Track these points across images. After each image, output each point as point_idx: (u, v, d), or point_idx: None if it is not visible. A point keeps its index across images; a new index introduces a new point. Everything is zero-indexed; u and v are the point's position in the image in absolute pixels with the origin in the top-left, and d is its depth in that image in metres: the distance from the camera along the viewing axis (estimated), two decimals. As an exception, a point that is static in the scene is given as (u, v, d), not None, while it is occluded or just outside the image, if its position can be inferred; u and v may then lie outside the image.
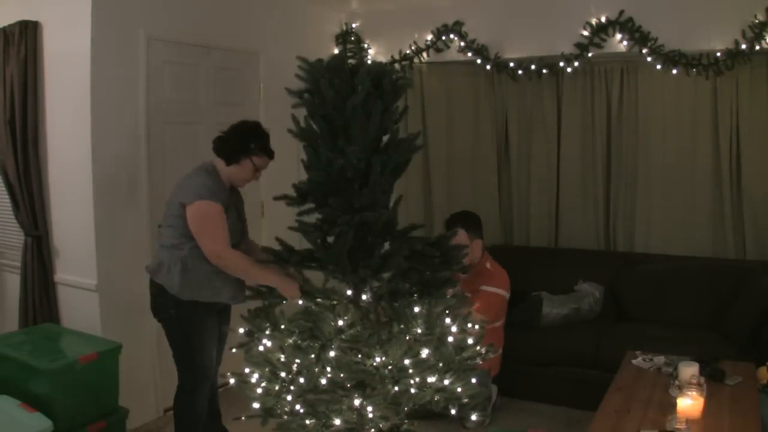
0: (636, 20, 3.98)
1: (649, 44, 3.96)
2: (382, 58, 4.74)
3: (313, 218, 2.24)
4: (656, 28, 3.95)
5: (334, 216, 2.09)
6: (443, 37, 4.59)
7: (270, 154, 2.86)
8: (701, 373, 2.71)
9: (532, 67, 4.37)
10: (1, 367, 3.00)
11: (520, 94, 4.62)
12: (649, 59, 4.00)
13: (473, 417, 2.31)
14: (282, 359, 2.12)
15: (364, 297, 2.19)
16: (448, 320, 2.15)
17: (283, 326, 2.19)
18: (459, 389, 2.09)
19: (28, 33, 3.40)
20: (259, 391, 2.14)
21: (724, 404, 2.62)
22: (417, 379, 2.03)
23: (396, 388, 2.03)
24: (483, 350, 2.24)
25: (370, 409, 1.99)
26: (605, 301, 4.03)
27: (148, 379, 3.58)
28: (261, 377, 2.15)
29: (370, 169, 2.06)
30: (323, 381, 2.05)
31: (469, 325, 2.20)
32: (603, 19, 4.07)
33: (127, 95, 3.42)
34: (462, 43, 4.52)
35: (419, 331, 2.10)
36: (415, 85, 4.82)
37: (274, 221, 4.09)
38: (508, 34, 4.43)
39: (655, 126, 4.24)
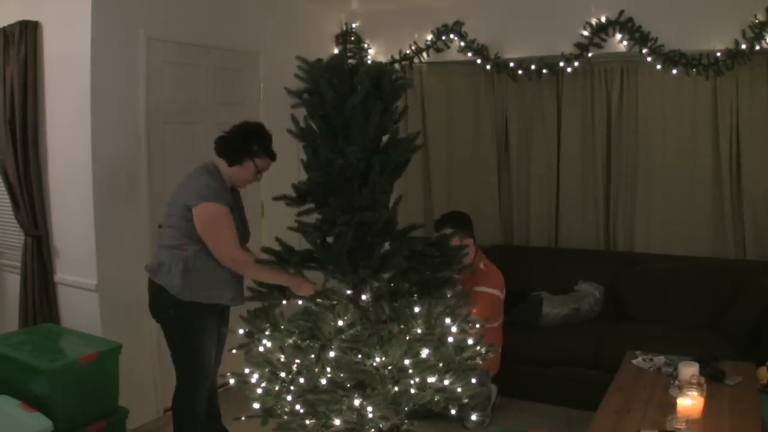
0: (636, 20, 3.98)
1: (649, 44, 3.96)
2: (382, 58, 4.74)
3: (312, 218, 2.24)
4: (656, 28, 3.95)
5: (333, 216, 2.09)
6: (443, 37, 4.59)
7: (272, 156, 2.85)
8: (701, 373, 2.71)
9: (532, 67, 4.37)
10: (1, 367, 3.00)
11: (520, 94, 4.62)
12: (649, 59, 4.00)
13: (473, 417, 2.31)
14: (282, 359, 2.12)
15: (364, 297, 2.19)
16: (448, 320, 2.15)
17: (282, 327, 2.19)
18: (459, 389, 2.09)
19: (28, 33, 3.41)
20: (259, 391, 2.15)
21: (724, 404, 2.61)
22: (417, 379, 2.03)
23: (396, 388, 2.03)
24: (483, 350, 2.25)
25: (370, 409, 2.00)
26: (605, 301, 4.03)
27: (148, 379, 3.58)
28: (261, 377, 2.15)
29: (370, 169, 2.06)
30: (323, 381, 2.05)
31: (470, 324, 2.19)
32: (603, 19, 4.06)
33: (127, 95, 3.42)
34: (462, 43, 4.52)
35: (419, 331, 2.10)
36: (415, 85, 4.82)
37: (274, 221, 4.09)
38: (508, 34, 4.43)
39: (655, 126, 4.24)
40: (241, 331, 2.36)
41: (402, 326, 2.10)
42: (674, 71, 3.97)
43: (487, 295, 3.56)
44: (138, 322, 3.46)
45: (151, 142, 3.55)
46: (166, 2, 3.60)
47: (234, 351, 2.46)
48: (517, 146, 4.71)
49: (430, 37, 4.63)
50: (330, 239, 2.15)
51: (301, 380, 2.06)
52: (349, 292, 2.15)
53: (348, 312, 2.06)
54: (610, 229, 4.50)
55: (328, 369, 2.03)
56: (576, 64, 4.21)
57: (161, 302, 2.79)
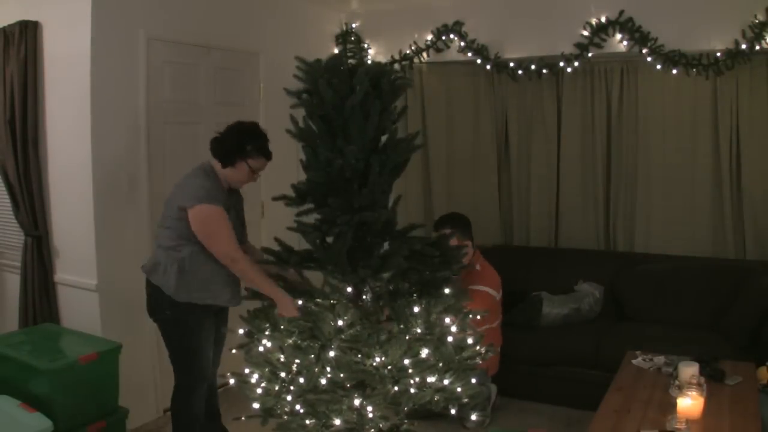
0: (636, 20, 3.98)
1: (649, 44, 3.96)
2: (382, 58, 4.74)
3: (312, 218, 2.24)
4: (656, 28, 3.95)
5: (333, 216, 2.09)
6: (443, 37, 4.59)
7: (267, 156, 2.82)
8: (701, 373, 2.71)
9: (532, 67, 4.37)
10: (1, 367, 3.00)
11: (520, 94, 4.62)
12: (649, 59, 4.00)
13: (473, 417, 2.31)
14: (282, 359, 2.12)
15: (364, 297, 2.19)
16: (447, 320, 2.15)
17: (282, 326, 2.19)
18: (459, 389, 2.09)
19: (28, 33, 3.41)
20: (259, 391, 2.15)
21: (724, 404, 2.61)
22: (417, 379, 2.03)
23: (396, 388, 2.03)
24: (483, 350, 2.25)
25: (370, 409, 2.00)
26: (605, 301, 4.03)
27: (148, 379, 3.58)
28: (261, 377, 2.15)
29: (369, 169, 2.06)
30: (323, 381, 2.05)
31: (470, 317, 2.19)
32: (603, 19, 4.06)
33: (127, 95, 3.42)
34: (462, 43, 4.52)
35: (419, 330, 2.10)
36: (415, 85, 4.82)
37: (273, 221, 4.09)
38: (508, 34, 4.43)
39: (655, 126, 4.24)
40: (241, 331, 2.36)
41: (402, 326, 2.10)
42: (674, 71, 3.97)
43: (483, 293, 3.55)
44: (138, 322, 3.46)
45: (151, 142, 3.55)
46: (166, 2, 3.60)
47: (234, 351, 2.46)
48: (517, 146, 4.71)
49: (430, 37, 4.63)
50: (330, 239, 2.15)
51: (301, 380, 2.06)
52: (349, 289, 2.15)
53: (348, 312, 2.06)
54: (610, 229, 4.50)
55: (328, 369, 2.03)
56: (576, 64, 4.21)
57: (158, 302, 2.79)
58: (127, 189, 3.44)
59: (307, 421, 2.06)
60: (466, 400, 2.13)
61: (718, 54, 3.83)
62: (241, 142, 2.75)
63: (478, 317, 2.20)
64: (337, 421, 2.02)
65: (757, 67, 3.86)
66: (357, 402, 2.00)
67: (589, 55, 4.16)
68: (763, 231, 4.01)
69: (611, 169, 4.44)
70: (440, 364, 2.09)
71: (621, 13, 4.00)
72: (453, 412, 2.14)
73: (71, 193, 3.43)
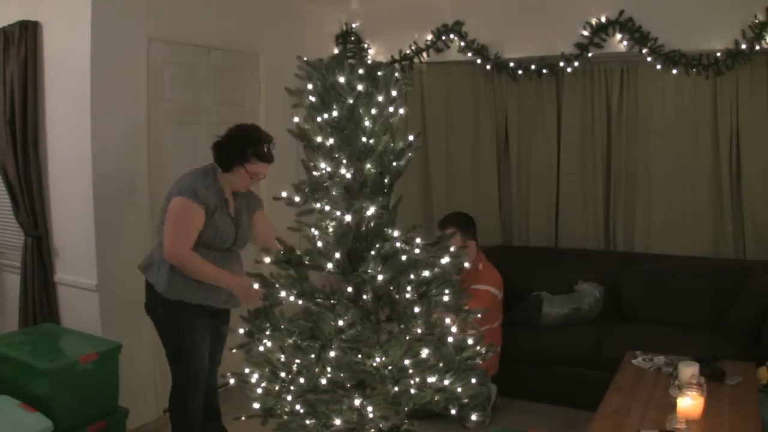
0: (636, 20, 3.98)
1: (649, 44, 3.96)
2: (382, 58, 4.74)
3: (313, 218, 2.24)
4: (656, 28, 3.95)
5: (333, 216, 2.08)
6: (443, 37, 4.59)
7: (266, 160, 2.77)
8: (701, 373, 2.72)
9: (532, 67, 4.37)
10: (1, 367, 3.00)
11: (520, 94, 4.62)
12: (649, 59, 4.00)
13: (473, 417, 2.31)
14: (282, 359, 2.12)
15: (364, 297, 2.18)
16: (448, 320, 2.15)
17: (282, 326, 2.19)
18: (459, 389, 2.09)
19: (28, 33, 3.41)
20: (259, 391, 2.14)
21: (724, 404, 2.62)
22: (417, 379, 2.03)
23: (396, 388, 2.03)
24: (483, 350, 2.24)
25: (370, 409, 1.99)
26: (605, 301, 4.03)
27: (148, 379, 3.58)
28: (261, 377, 2.15)
29: (370, 169, 2.06)
30: (323, 381, 2.05)
31: (471, 316, 2.19)
32: (603, 19, 4.07)
33: (127, 95, 3.42)
34: (462, 43, 4.52)
35: (419, 331, 2.10)
36: (415, 85, 4.82)
37: (273, 221, 4.08)
38: (508, 34, 4.43)
39: (655, 126, 4.24)
40: (241, 331, 2.36)
41: (402, 326, 2.10)
42: (674, 71, 3.97)
43: (485, 292, 3.56)
44: (138, 322, 3.45)
45: (151, 142, 3.55)
46: (166, 2, 3.60)
47: (234, 351, 2.46)
48: (517, 146, 4.71)
49: (430, 37, 4.64)
50: (330, 239, 2.15)
51: (301, 380, 2.05)
52: (349, 290, 2.14)
53: (348, 312, 2.06)
54: (610, 229, 4.50)
55: (329, 369, 2.03)
56: (576, 64, 4.21)
57: (152, 300, 2.80)
58: (127, 189, 3.44)
59: (307, 421, 2.06)
60: (466, 400, 2.12)
61: (718, 54, 3.83)
62: (239, 147, 2.72)
63: (479, 316, 2.20)
64: (338, 421, 2.01)
65: (757, 67, 3.86)
66: (357, 402, 1.99)
67: (589, 55, 4.17)
68: (763, 231, 4.01)
69: (611, 169, 4.44)
70: (440, 365, 2.09)
71: (621, 13, 4.00)
72: (453, 412, 2.14)
73: (71, 193, 3.43)
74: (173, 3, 3.64)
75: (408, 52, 4.71)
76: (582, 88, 4.42)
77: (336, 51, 4.83)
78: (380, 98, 2.04)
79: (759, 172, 3.97)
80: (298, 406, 2.08)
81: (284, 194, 2.11)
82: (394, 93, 2.08)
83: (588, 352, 3.67)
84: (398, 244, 2.06)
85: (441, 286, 2.14)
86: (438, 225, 3.78)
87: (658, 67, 4.00)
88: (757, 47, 3.70)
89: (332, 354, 2.01)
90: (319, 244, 2.08)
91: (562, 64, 4.24)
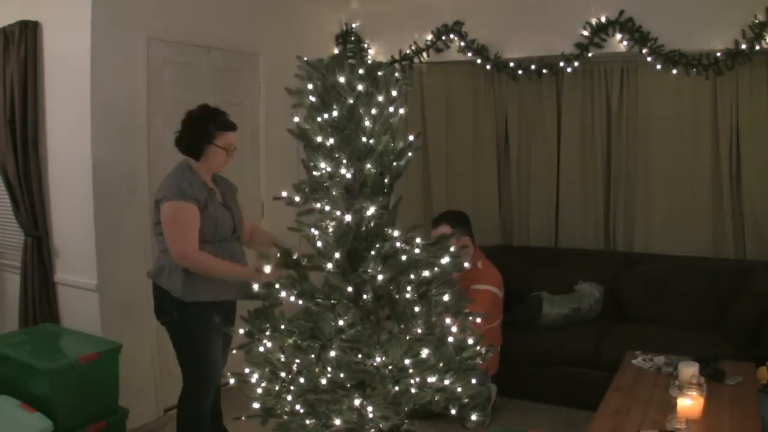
0: (636, 20, 3.98)
1: (649, 44, 3.96)
2: (382, 58, 4.74)
3: (313, 218, 2.24)
4: (656, 28, 3.95)
5: (333, 216, 2.08)
6: (443, 37, 4.59)
7: (231, 128, 2.80)
8: (701, 373, 2.72)
9: (532, 67, 4.38)
10: (1, 367, 3.00)
11: (520, 94, 4.62)
12: (649, 59, 4.00)
13: (473, 417, 2.31)
14: (282, 359, 2.12)
15: (364, 297, 2.18)
16: (448, 320, 2.15)
17: (283, 327, 2.19)
18: (459, 389, 2.09)
19: (28, 33, 3.41)
20: (259, 391, 2.14)
21: (724, 404, 2.62)
22: (417, 379, 2.03)
23: (396, 388, 2.03)
24: (483, 350, 2.24)
25: (370, 409, 1.99)
26: (605, 301, 4.03)
27: (148, 379, 3.58)
28: (261, 377, 2.15)
29: (370, 169, 2.06)
30: (323, 381, 2.05)
31: (470, 319, 2.19)
32: (603, 19, 4.07)
33: (127, 95, 3.42)
34: (462, 43, 4.52)
35: (419, 331, 2.10)
36: (415, 85, 4.82)
37: (274, 221, 4.09)
38: (508, 34, 4.43)
39: (655, 126, 4.24)
40: (241, 331, 2.36)
41: (402, 326, 2.10)
42: (674, 71, 3.97)
43: (486, 292, 3.56)
44: (138, 322, 3.46)
45: (151, 142, 3.55)
46: (166, 2, 3.60)
47: (234, 351, 2.46)
48: (517, 146, 4.71)
49: (430, 37, 4.64)
50: (330, 239, 2.15)
51: (301, 380, 2.05)
52: (349, 290, 2.15)
53: (348, 312, 2.06)
54: (610, 229, 4.50)
55: (329, 369, 2.03)
56: (576, 64, 4.21)
57: (165, 305, 2.79)
58: (126, 189, 3.44)
59: (307, 421, 2.06)
60: (466, 400, 2.12)
61: (718, 54, 3.83)
62: (201, 128, 2.76)
63: (478, 320, 2.20)
64: (338, 421, 2.01)
65: (757, 67, 3.86)
66: (357, 402, 1.99)
67: (589, 55, 4.17)
68: (763, 231, 4.01)
69: (611, 169, 4.44)
70: (441, 365, 2.09)
71: (621, 13, 4.01)
72: (453, 412, 2.14)
73: (71, 193, 3.43)
74: (173, 3, 3.64)
75: (408, 52, 4.71)
76: (582, 88, 4.42)
77: (336, 51, 4.83)
78: (380, 98, 2.04)
79: (759, 172, 3.97)
80: (298, 406, 2.08)
81: (284, 194, 2.11)
82: (394, 93, 2.09)
83: (588, 352, 3.67)
84: (398, 244, 2.06)
85: (441, 286, 2.14)
86: (432, 224, 3.78)
87: (658, 67, 4.00)
88: (757, 47, 3.70)
89: (332, 354, 2.01)
90: (319, 244, 2.08)
91: (562, 64, 4.24)
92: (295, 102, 2.14)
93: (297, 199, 2.10)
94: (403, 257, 2.05)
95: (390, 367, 2.01)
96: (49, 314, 3.53)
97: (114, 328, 3.34)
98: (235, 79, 4.12)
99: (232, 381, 2.27)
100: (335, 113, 2.02)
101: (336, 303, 2.09)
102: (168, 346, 2.92)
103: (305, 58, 2.08)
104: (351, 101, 2.00)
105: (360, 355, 2.02)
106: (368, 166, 2.06)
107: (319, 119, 2.06)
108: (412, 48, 4.69)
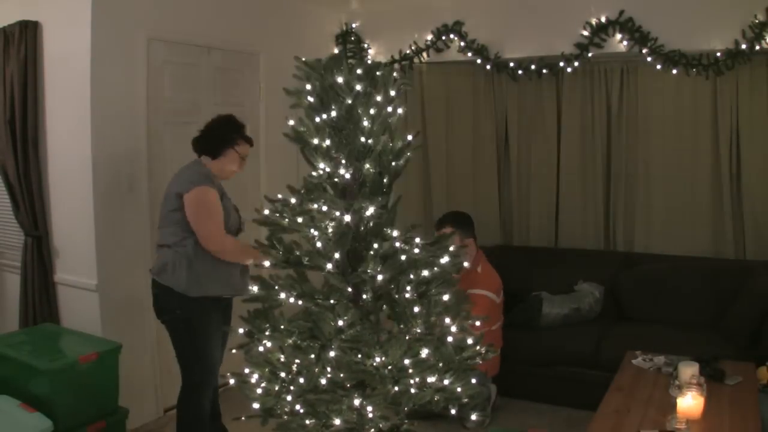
0: (636, 20, 3.98)
1: (649, 44, 3.96)
2: (382, 58, 4.74)
3: (312, 218, 2.24)
4: (656, 28, 3.95)
5: (333, 216, 2.08)
6: (443, 37, 4.59)
7: (250, 142, 2.98)
8: (701, 373, 2.71)
9: (532, 67, 4.38)
10: (1, 367, 3.00)
11: (520, 94, 4.62)
12: (649, 59, 4.00)
13: (473, 417, 2.31)
14: (282, 359, 2.12)
15: (364, 297, 2.18)
16: (448, 320, 2.15)
17: (282, 327, 2.19)
18: (459, 389, 2.09)
19: (28, 33, 3.41)
20: (259, 391, 2.14)
21: (724, 404, 2.61)
22: (417, 379, 2.03)
23: (396, 388, 2.03)
24: (483, 350, 2.24)
25: (370, 409, 1.99)
26: (605, 301, 4.03)
27: (148, 379, 3.58)
28: (261, 377, 2.15)
29: (369, 169, 2.06)
30: (323, 381, 2.04)
31: (469, 322, 2.19)
32: (603, 19, 4.07)
33: (127, 95, 3.42)
34: (462, 43, 4.52)
35: (419, 331, 2.10)
36: (415, 85, 4.82)
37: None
38: (508, 34, 4.43)
39: (655, 126, 4.24)
40: (241, 331, 2.36)
41: (402, 326, 2.10)
42: (674, 71, 3.97)
43: (482, 297, 3.53)
44: (138, 322, 3.46)
45: (151, 142, 3.55)
46: (166, 2, 3.60)
47: (234, 351, 2.46)
48: (517, 146, 4.71)
49: (430, 37, 4.64)
50: (329, 239, 2.15)
51: (301, 380, 2.05)
52: (349, 290, 2.15)
53: (348, 312, 2.06)
54: (610, 229, 4.50)
55: (328, 369, 2.03)
56: (576, 64, 4.21)
57: (167, 302, 2.81)
58: (127, 189, 3.44)
59: (307, 421, 2.06)
60: (466, 400, 2.12)
61: (718, 54, 3.83)
62: (227, 132, 2.91)
63: (477, 323, 2.20)
64: (337, 421, 2.01)
65: (757, 67, 3.86)
66: (357, 402, 1.99)
67: (589, 55, 4.17)
68: (763, 231, 4.01)
69: (611, 169, 4.44)
70: (440, 365, 2.09)
71: (621, 13, 4.00)
72: (453, 412, 2.14)
73: (71, 193, 3.43)
74: (173, 3, 3.64)
75: (408, 52, 4.71)
76: (582, 88, 4.42)
77: (336, 51, 4.83)
78: (379, 98, 2.04)
79: (759, 172, 3.97)
80: (298, 406, 2.08)
81: (279, 196, 2.12)
82: (392, 93, 2.09)
83: (588, 352, 3.67)
84: (398, 244, 2.06)
85: (440, 286, 2.15)
86: (435, 225, 3.78)
87: (658, 67, 4.00)
88: (757, 47, 3.70)
89: (332, 354, 2.01)
90: (319, 244, 2.08)
91: (562, 64, 4.24)
92: (293, 102, 2.14)
93: (293, 200, 2.10)
94: (403, 257, 2.05)
95: (390, 367, 2.01)
96: (49, 314, 3.53)
97: (114, 328, 3.34)
98: (235, 79, 4.12)
99: (231, 381, 2.27)
100: (334, 113, 2.02)
101: (336, 303, 2.09)
102: (168, 346, 2.92)
103: (303, 59, 2.08)
104: (349, 101, 2.00)
105: (360, 355, 2.02)
106: (367, 166, 2.06)
107: (317, 119, 2.06)
108: (412, 48, 4.69)
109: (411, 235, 2.13)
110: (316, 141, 2.04)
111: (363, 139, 2.04)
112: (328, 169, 2.06)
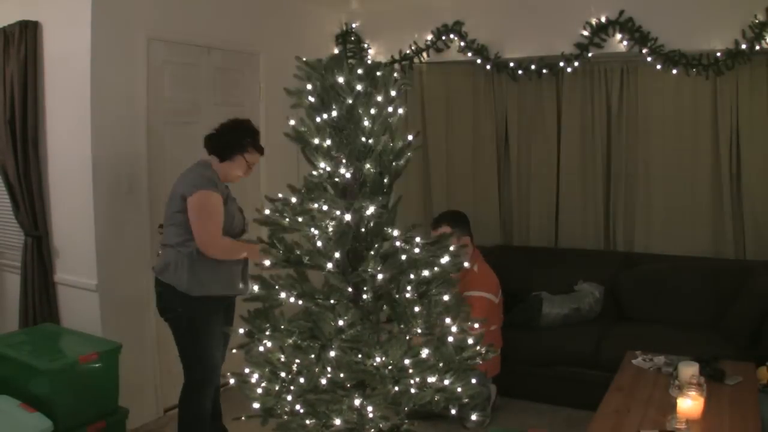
0: (636, 20, 3.98)
1: (649, 44, 3.96)
2: (382, 58, 4.74)
3: (312, 217, 2.24)
4: (656, 28, 3.95)
5: (333, 215, 2.08)
6: (443, 37, 4.59)
7: (261, 151, 2.96)
8: (701, 373, 2.71)
9: (532, 67, 4.38)
10: (1, 367, 3.00)
11: (520, 94, 4.62)
12: (649, 59, 4.00)
13: (473, 417, 2.31)
14: (282, 359, 2.12)
15: (364, 297, 2.18)
16: (448, 320, 2.15)
17: (282, 327, 2.19)
18: (459, 389, 2.09)
19: (28, 33, 3.41)
20: (259, 391, 2.14)
21: (724, 404, 2.61)
22: (417, 379, 2.03)
23: (396, 388, 2.03)
24: (483, 350, 2.24)
25: (370, 409, 1.99)
26: (605, 301, 4.03)
27: (148, 379, 3.58)
28: (261, 377, 2.15)
29: (369, 168, 2.06)
30: (323, 381, 2.05)
31: (468, 324, 2.19)
32: (603, 19, 4.07)
33: (127, 95, 3.42)
34: (462, 43, 4.52)
35: (419, 331, 2.10)
36: (415, 85, 4.82)
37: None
38: (508, 34, 4.43)
39: (655, 126, 4.24)
40: (241, 331, 2.36)
41: (402, 326, 2.10)
42: (674, 71, 3.97)
43: (480, 299, 3.52)
44: (138, 322, 3.46)
45: (151, 142, 3.55)
46: (166, 2, 3.60)
47: (234, 351, 2.46)
48: (517, 146, 4.71)
49: (430, 37, 4.64)
50: (329, 239, 2.15)
51: (301, 380, 2.05)
52: (349, 290, 2.15)
53: (348, 312, 2.06)
54: (610, 229, 4.50)
55: (329, 369, 2.03)
56: (576, 64, 4.21)
57: (169, 301, 2.82)
58: (127, 189, 3.44)
59: (307, 421, 2.06)
60: (466, 400, 2.12)
61: (718, 54, 3.83)
62: (239, 137, 2.88)
63: (476, 326, 2.20)
64: (338, 421, 2.01)
65: (757, 67, 3.86)
66: (357, 402, 1.99)
67: (589, 55, 4.17)
68: (763, 231, 4.01)
69: (611, 169, 4.44)
70: (440, 365, 2.09)
71: (621, 13, 4.01)
72: (453, 412, 2.14)
73: (71, 193, 3.43)
74: (173, 3, 3.64)
75: (408, 52, 4.71)
76: (582, 88, 4.42)
77: (336, 51, 4.83)
78: (379, 98, 2.04)
79: (759, 172, 3.97)
80: (298, 406, 2.08)
81: (280, 195, 2.12)
82: (393, 93, 2.09)
83: (588, 352, 3.67)
84: (398, 244, 2.06)
85: (441, 286, 2.15)
86: (431, 225, 3.78)
87: (658, 67, 4.00)
88: (757, 47, 3.70)
89: (332, 354, 2.01)
90: (319, 243, 2.08)
91: (562, 64, 4.24)
92: (293, 102, 2.14)
93: (294, 200, 2.10)
94: (403, 257, 2.05)
95: (390, 367, 2.01)
96: (49, 314, 3.53)
97: (114, 328, 3.34)
98: (235, 79, 4.12)
99: (232, 381, 2.27)
100: (334, 113, 2.02)
101: (336, 303, 2.09)
102: (168, 346, 2.92)
103: (304, 59, 2.08)
104: (350, 101, 2.00)
105: (360, 355, 2.02)
106: (367, 165, 2.06)
107: (318, 119, 2.06)
108: (412, 48, 4.69)
109: (411, 235, 2.13)
110: (316, 141, 2.04)
111: (363, 139, 2.04)
112: (328, 169, 2.06)
